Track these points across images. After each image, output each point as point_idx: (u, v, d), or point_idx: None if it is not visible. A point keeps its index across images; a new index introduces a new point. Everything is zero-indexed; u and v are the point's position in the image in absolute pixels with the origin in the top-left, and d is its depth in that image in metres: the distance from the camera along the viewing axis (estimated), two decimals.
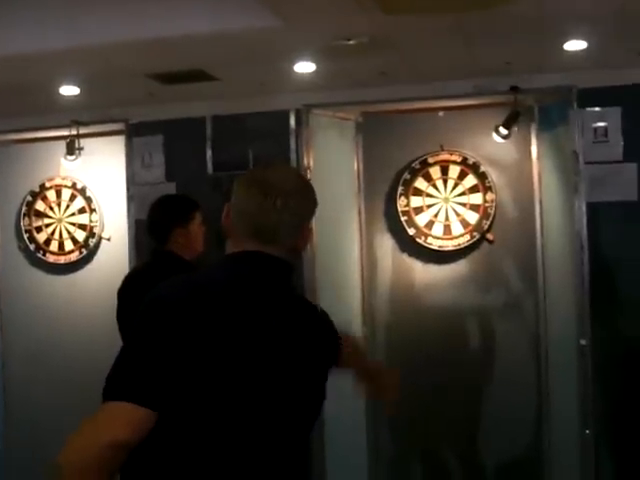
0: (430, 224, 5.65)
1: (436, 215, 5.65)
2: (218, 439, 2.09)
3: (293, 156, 5.41)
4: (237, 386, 2.09)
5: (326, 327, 2.44)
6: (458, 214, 5.61)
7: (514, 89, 5.17)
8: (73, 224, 6.26)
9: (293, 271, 2.32)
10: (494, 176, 5.56)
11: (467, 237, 5.58)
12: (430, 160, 5.67)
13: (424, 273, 5.72)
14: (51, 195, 6.31)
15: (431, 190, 5.67)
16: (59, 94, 5.34)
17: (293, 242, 2.28)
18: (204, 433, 2.08)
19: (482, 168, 5.57)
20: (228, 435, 2.10)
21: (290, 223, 2.23)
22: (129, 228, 5.77)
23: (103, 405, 2.00)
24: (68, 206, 6.28)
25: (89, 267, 6.24)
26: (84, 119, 5.91)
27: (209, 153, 5.67)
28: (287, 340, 2.19)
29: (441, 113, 5.68)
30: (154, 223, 4.31)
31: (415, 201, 5.67)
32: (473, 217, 5.58)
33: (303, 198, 2.28)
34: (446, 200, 5.64)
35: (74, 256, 6.24)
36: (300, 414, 2.27)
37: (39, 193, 6.33)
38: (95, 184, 6.22)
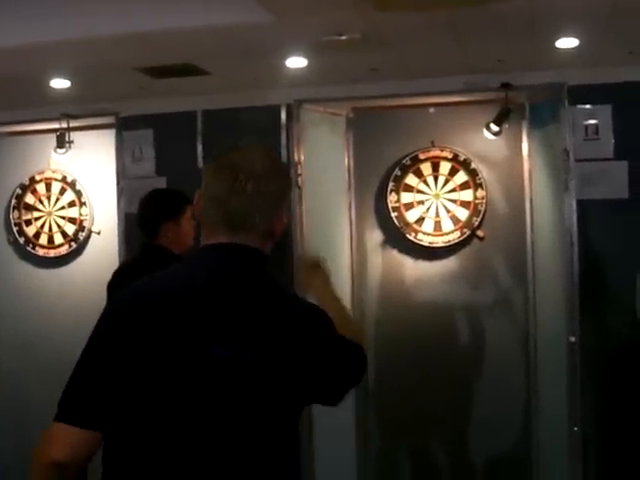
0: (420, 220, 5.66)
1: (426, 211, 5.65)
2: (164, 455, 2.02)
3: (284, 151, 5.40)
4: (183, 401, 2.01)
5: (307, 323, 2.16)
6: (448, 210, 5.62)
7: (505, 86, 5.18)
8: (63, 217, 6.24)
9: (266, 260, 2.19)
10: (485, 173, 5.57)
11: (457, 234, 5.59)
12: (421, 156, 5.68)
13: (414, 269, 5.73)
14: (41, 188, 6.30)
15: (422, 186, 5.67)
16: (50, 87, 5.32)
17: (268, 227, 2.16)
18: (148, 449, 2.03)
19: (473, 165, 5.58)
20: (176, 450, 2.02)
21: (263, 208, 2.11)
22: (119, 222, 5.75)
23: (52, 424, 2.01)
24: (58, 199, 6.26)
25: (79, 261, 6.23)
26: (74, 112, 5.89)
27: (200, 147, 5.66)
28: (245, 342, 2.02)
29: (432, 109, 5.68)
30: (144, 217, 4.31)
31: (405, 197, 5.68)
32: (463, 214, 5.59)
33: (275, 180, 2.15)
34: (437, 196, 5.65)
35: (64, 249, 6.23)
36: (261, 418, 2.09)
37: (29, 186, 6.31)
38: (85, 177, 6.21)
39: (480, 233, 5.58)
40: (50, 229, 6.27)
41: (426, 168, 5.67)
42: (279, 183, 2.18)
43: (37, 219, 6.30)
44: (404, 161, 5.69)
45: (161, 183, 5.64)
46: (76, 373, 2.05)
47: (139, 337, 2.00)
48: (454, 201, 5.61)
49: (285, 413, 2.13)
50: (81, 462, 1.97)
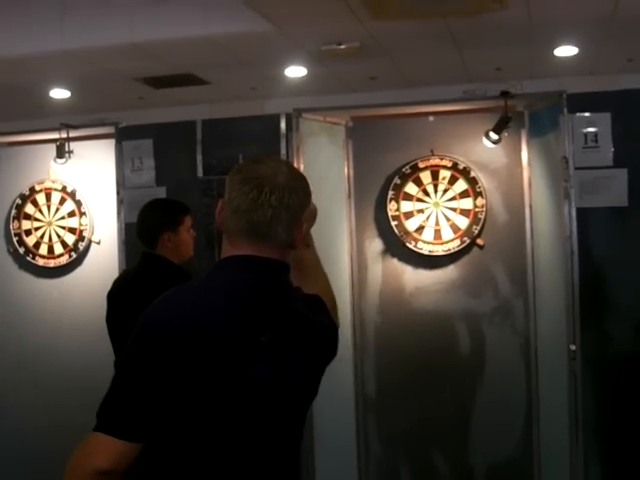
0: (420, 229, 5.65)
1: (426, 220, 5.65)
2: (211, 467, 2.11)
3: None
4: (228, 418, 2.09)
5: (325, 334, 2.36)
6: (448, 219, 5.61)
7: (504, 94, 5.18)
8: (63, 227, 6.24)
9: (289, 271, 2.28)
10: (484, 181, 5.57)
11: (457, 242, 5.59)
12: (420, 165, 5.68)
13: (414, 278, 5.72)
14: (41, 198, 6.29)
15: (421, 195, 5.67)
16: (49, 97, 5.33)
17: (289, 238, 2.22)
18: (195, 461, 2.09)
19: (472, 173, 5.58)
20: (221, 466, 2.12)
21: (286, 219, 2.17)
22: (119, 232, 5.75)
23: (90, 435, 2.04)
24: (58, 209, 6.26)
25: (79, 270, 6.22)
26: (74, 122, 5.90)
27: (199, 157, 5.66)
28: (282, 360, 2.15)
29: (431, 118, 5.69)
30: (143, 227, 4.30)
31: (405, 206, 5.68)
32: (463, 222, 5.58)
33: (297, 193, 2.20)
34: (436, 205, 5.64)
35: (64, 259, 6.22)
36: (291, 428, 2.28)
37: (29, 196, 6.31)
38: (85, 187, 6.21)
39: (480, 241, 5.58)
40: (50, 239, 6.26)
41: (426, 177, 5.67)
42: (300, 196, 2.22)
43: (37, 229, 6.29)
44: (404, 170, 5.69)
45: (161, 193, 5.65)
46: (120, 386, 2.07)
47: (183, 359, 2.03)
48: (454, 209, 5.61)
49: (301, 411, 2.32)
50: (123, 471, 2.01)
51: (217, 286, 2.19)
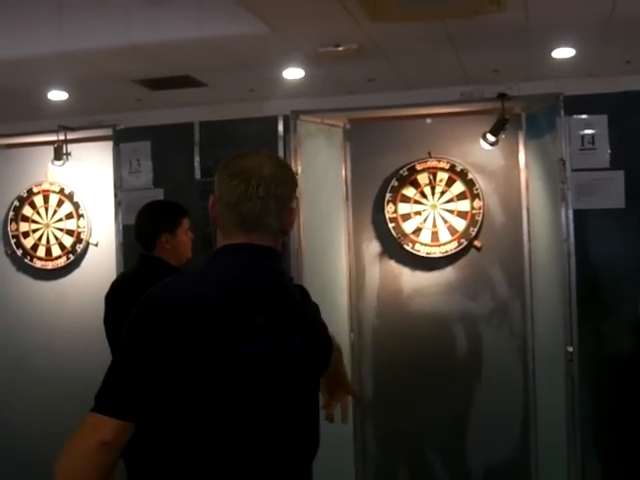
0: (418, 231, 5.66)
1: (424, 222, 5.66)
2: (206, 446, 2.16)
3: None
4: (219, 396, 2.15)
5: (316, 324, 2.46)
6: (446, 221, 5.62)
7: (502, 96, 5.19)
8: (61, 229, 6.24)
9: (281, 257, 2.38)
10: (482, 183, 5.58)
11: (455, 244, 5.60)
12: (418, 167, 5.68)
13: (412, 280, 5.73)
14: (38, 200, 6.30)
15: (419, 197, 5.68)
16: (47, 99, 5.33)
17: (279, 226, 2.33)
18: (189, 439, 2.16)
19: (470, 175, 5.58)
20: (218, 442, 2.17)
21: (275, 208, 2.28)
22: (117, 234, 5.76)
23: (87, 416, 2.14)
24: (55, 211, 6.26)
25: (76, 272, 6.22)
26: (72, 124, 5.90)
27: (197, 159, 5.66)
28: (272, 339, 2.22)
29: (429, 120, 5.70)
30: (141, 229, 4.30)
31: (403, 208, 5.68)
32: (461, 224, 5.59)
33: (283, 181, 2.33)
34: (434, 207, 5.65)
35: (61, 261, 6.22)
36: (296, 410, 2.32)
37: (26, 198, 6.31)
38: (83, 189, 6.21)
39: (477, 243, 5.58)
40: (48, 241, 6.26)
41: (423, 179, 5.67)
42: (286, 184, 2.35)
43: (35, 231, 6.29)
44: (401, 172, 5.70)
45: (158, 195, 5.65)
46: (116, 369, 2.17)
47: (176, 338, 2.12)
48: (451, 211, 5.62)
49: (308, 394, 2.38)
50: (123, 444, 2.12)
51: (210, 272, 2.29)
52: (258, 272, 2.29)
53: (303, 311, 2.38)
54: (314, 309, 2.47)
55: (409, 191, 5.69)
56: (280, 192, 2.29)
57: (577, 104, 5.03)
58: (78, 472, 2.11)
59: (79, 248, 6.17)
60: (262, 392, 2.20)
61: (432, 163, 5.67)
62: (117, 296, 4.21)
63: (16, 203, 6.33)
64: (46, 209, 6.29)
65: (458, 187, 5.61)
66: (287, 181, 2.36)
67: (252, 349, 2.16)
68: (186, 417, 2.15)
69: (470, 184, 5.59)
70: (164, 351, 2.11)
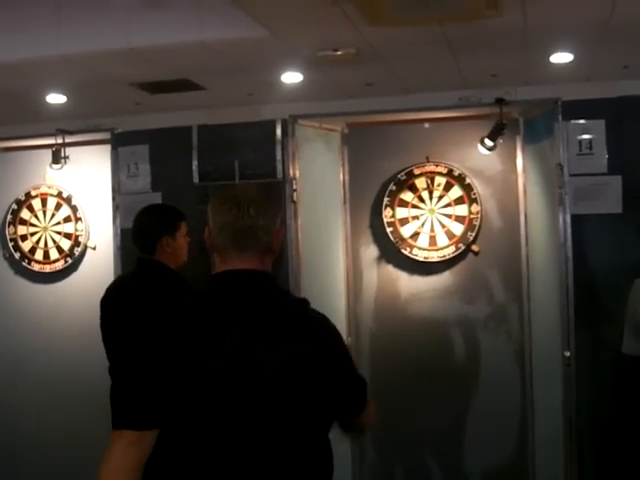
0: (415, 235, 5.67)
1: (421, 226, 5.66)
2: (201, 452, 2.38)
3: (279, 166, 5.42)
4: (197, 407, 2.37)
5: (318, 337, 2.54)
6: (443, 225, 5.63)
7: (500, 101, 5.19)
8: (58, 233, 6.24)
9: (269, 278, 2.57)
10: (479, 188, 5.59)
11: (452, 248, 5.60)
12: (416, 171, 5.69)
13: (409, 284, 5.74)
14: (36, 203, 6.30)
15: (417, 201, 5.68)
16: (45, 102, 5.32)
17: (268, 242, 2.56)
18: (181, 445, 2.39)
19: (467, 180, 5.59)
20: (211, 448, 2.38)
21: (264, 224, 2.53)
22: (114, 237, 5.77)
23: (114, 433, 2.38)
24: (53, 215, 6.26)
25: (74, 276, 6.22)
26: (70, 127, 5.90)
27: (195, 163, 5.66)
28: (238, 356, 2.37)
29: (427, 125, 5.71)
30: (141, 232, 4.29)
31: (401, 212, 5.69)
32: (458, 228, 5.60)
33: (269, 204, 2.61)
34: (431, 211, 5.66)
35: (59, 265, 6.22)
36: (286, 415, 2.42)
37: (24, 201, 6.31)
38: (81, 193, 6.21)
39: (475, 248, 5.59)
40: (46, 244, 6.26)
41: (421, 183, 5.68)
42: (272, 206, 2.63)
43: (33, 234, 6.29)
44: (399, 176, 5.70)
45: (156, 199, 5.65)
46: (138, 386, 2.41)
47: (175, 354, 2.40)
48: (449, 216, 5.63)
49: (295, 419, 2.46)
50: (150, 448, 2.37)
51: (202, 298, 2.56)
52: (237, 294, 2.49)
53: (286, 326, 2.47)
54: (310, 321, 2.58)
55: (407, 195, 5.69)
56: (267, 211, 2.56)
57: (575, 109, 5.05)
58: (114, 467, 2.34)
59: (77, 251, 6.17)
60: (224, 403, 2.36)
61: (430, 167, 5.68)
62: (117, 299, 4.21)
63: (14, 206, 6.33)
64: (44, 212, 6.29)
65: (456, 192, 5.62)
66: (272, 204, 2.64)
67: (219, 366, 2.36)
68: (176, 421, 2.38)
69: (468, 189, 5.60)
70: (167, 366, 2.38)
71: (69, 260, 6.20)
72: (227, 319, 2.43)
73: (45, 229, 6.28)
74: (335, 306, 5.64)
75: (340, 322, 5.62)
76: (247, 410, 2.36)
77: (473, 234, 5.58)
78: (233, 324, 2.41)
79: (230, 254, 2.53)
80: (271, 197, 2.72)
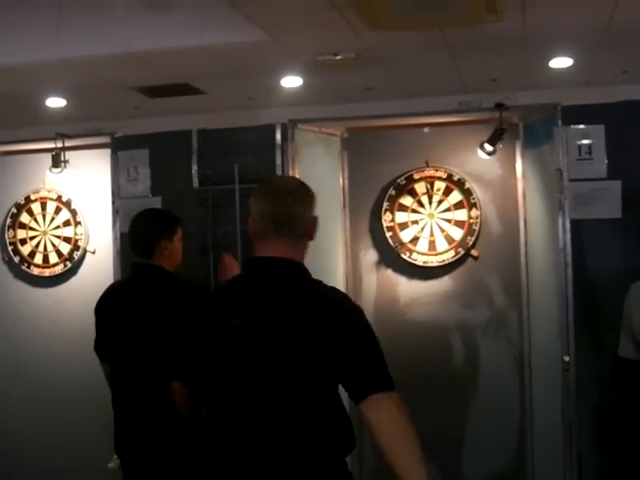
0: (415, 240, 5.67)
1: (421, 231, 5.66)
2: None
3: (279, 171, 5.41)
4: (211, 381, 2.79)
5: (337, 322, 2.83)
6: (443, 230, 5.63)
7: (499, 106, 5.19)
8: (58, 237, 6.24)
9: (301, 266, 2.85)
10: (479, 192, 5.59)
11: (452, 253, 5.60)
12: (415, 176, 5.70)
13: (409, 289, 5.73)
14: (36, 207, 6.30)
15: (416, 206, 5.68)
16: (45, 106, 5.32)
17: (305, 228, 2.84)
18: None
19: (467, 184, 5.59)
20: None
21: (302, 213, 2.82)
22: (114, 241, 5.77)
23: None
24: (53, 219, 6.27)
25: (74, 280, 6.22)
26: (70, 131, 5.90)
27: (195, 167, 5.67)
28: (245, 339, 2.69)
29: (427, 129, 5.71)
30: (139, 236, 4.27)
31: (400, 217, 5.69)
32: (458, 233, 5.60)
33: (305, 193, 2.90)
34: (431, 216, 5.66)
35: (59, 269, 6.22)
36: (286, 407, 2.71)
37: (24, 205, 6.32)
38: (80, 197, 6.21)
39: (474, 252, 5.59)
40: (45, 248, 6.26)
41: (421, 188, 5.69)
42: (308, 196, 2.91)
43: (32, 238, 6.30)
44: (399, 181, 5.71)
45: (156, 203, 5.66)
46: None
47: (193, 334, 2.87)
48: (448, 220, 5.63)
49: (304, 384, 2.74)
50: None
51: (226, 283, 3.12)
52: (256, 279, 2.81)
53: (304, 311, 2.73)
54: (328, 304, 2.87)
55: (406, 200, 5.70)
56: (304, 201, 2.85)
57: (574, 114, 5.05)
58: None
59: (76, 255, 6.17)
60: (231, 378, 2.71)
61: (429, 172, 5.69)
62: (108, 307, 4.23)
63: (13, 210, 6.33)
64: (43, 216, 6.29)
65: (455, 196, 5.63)
66: (308, 194, 2.91)
67: (225, 347, 2.70)
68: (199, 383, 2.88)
69: (467, 193, 5.60)
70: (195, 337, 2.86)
71: (68, 264, 6.20)
72: (231, 303, 2.78)
73: (45, 233, 6.28)
74: None
75: None
76: (258, 388, 2.66)
77: (472, 239, 5.58)
78: (238, 310, 2.73)
79: (268, 239, 2.79)
80: (308, 187, 2.95)
